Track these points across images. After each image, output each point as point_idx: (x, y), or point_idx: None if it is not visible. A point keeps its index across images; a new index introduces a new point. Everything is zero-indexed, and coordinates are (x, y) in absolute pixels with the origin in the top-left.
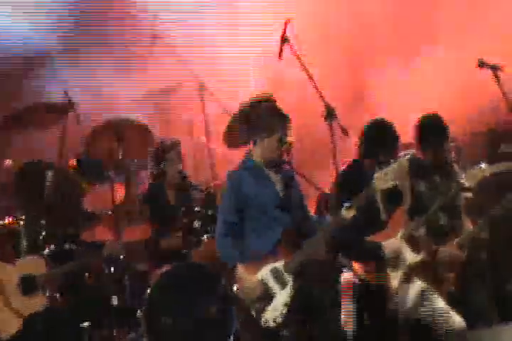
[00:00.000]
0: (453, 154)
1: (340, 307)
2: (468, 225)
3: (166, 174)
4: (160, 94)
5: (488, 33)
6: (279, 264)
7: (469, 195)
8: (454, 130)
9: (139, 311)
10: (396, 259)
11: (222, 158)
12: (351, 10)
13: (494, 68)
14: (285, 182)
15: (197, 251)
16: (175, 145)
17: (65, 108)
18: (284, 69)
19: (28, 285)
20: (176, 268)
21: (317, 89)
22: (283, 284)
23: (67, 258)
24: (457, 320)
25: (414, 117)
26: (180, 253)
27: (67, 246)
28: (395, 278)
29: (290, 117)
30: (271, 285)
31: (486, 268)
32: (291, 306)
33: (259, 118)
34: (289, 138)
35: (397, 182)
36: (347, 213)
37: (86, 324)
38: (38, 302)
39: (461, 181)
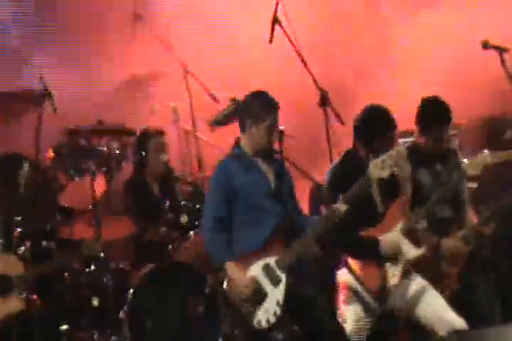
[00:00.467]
0: (456, 141)
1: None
2: (472, 217)
3: (148, 164)
4: (144, 80)
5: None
6: (272, 260)
7: (473, 185)
8: (455, 115)
9: (121, 312)
10: (395, 255)
11: (211, 148)
12: None
13: (500, 50)
14: (276, 172)
15: (183, 247)
16: (157, 133)
17: (42, 96)
18: (276, 54)
19: (4, 285)
20: (159, 267)
21: (310, 72)
22: (276, 282)
23: (44, 257)
24: (457, 320)
25: (413, 102)
26: (164, 250)
27: (44, 244)
28: (393, 275)
29: (279, 104)
30: (263, 283)
31: (490, 265)
32: (284, 306)
33: (247, 106)
34: (280, 127)
35: (396, 171)
36: (341, 206)
37: (65, 326)
38: (14, 304)
39: (465, 170)
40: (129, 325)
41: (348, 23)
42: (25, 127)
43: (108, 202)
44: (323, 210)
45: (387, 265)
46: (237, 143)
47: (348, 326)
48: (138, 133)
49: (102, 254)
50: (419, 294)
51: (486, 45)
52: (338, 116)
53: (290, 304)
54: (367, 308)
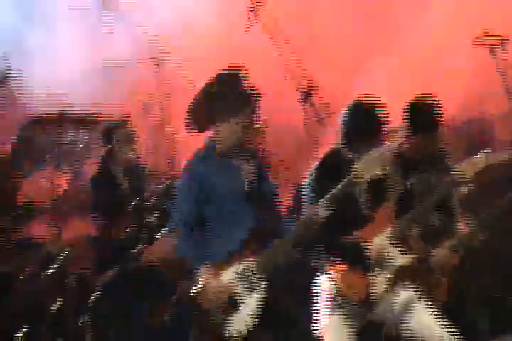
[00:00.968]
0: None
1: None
2: (463, 226)
3: (115, 157)
4: (114, 68)
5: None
6: (247, 266)
7: (465, 190)
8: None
9: (82, 319)
10: (381, 261)
11: (185, 143)
12: None
13: (492, 47)
14: (253, 172)
15: (149, 250)
16: (123, 124)
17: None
18: (255, 43)
19: None
20: (124, 271)
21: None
22: (251, 290)
23: None
24: (448, 336)
25: (400, 101)
26: (130, 252)
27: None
28: (379, 284)
29: (260, 96)
30: (237, 291)
31: (481, 276)
32: (260, 316)
33: (222, 97)
34: (260, 123)
35: (383, 173)
36: (323, 208)
37: (20, 334)
38: None
39: (455, 175)
40: (91, 334)
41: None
42: None
43: (71, 199)
44: (304, 212)
45: (373, 272)
46: (209, 137)
47: (327, 337)
48: (104, 123)
49: (62, 255)
50: (408, 308)
51: (478, 41)
52: (319, 113)
53: (266, 315)
54: (348, 319)
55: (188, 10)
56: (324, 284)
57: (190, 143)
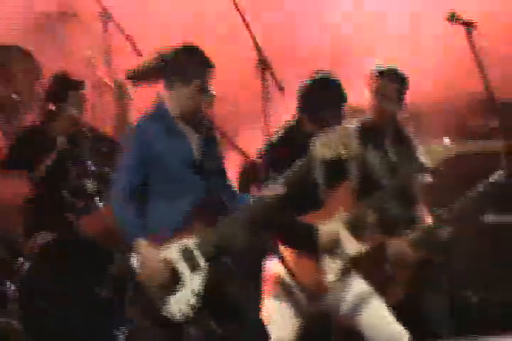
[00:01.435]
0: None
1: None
2: (426, 217)
3: (58, 118)
4: (55, 21)
5: None
6: (191, 242)
7: (429, 178)
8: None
9: (8, 288)
10: (334, 248)
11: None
12: None
13: (467, 24)
14: (203, 141)
15: (87, 218)
16: (78, 84)
17: None
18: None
19: None
20: (58, 240)
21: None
22: (194, 267)
23: None
24: (403, 334)
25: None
26: (65, 220)
27: None
28: (330, 271)
29: (215, 64)
30: (179, 268)
31: (442, 273)
32: (203, 297)
33: (176, 60)
34: (212, 90)
35: (343, 151)
36: (277, 187)
37: None
38: None
39: (421, 160)
40: (19, 305)
41: None
42: None
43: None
44: (255, 190)
45: (325, 259)
46: (158, 101)
47: (271, 323)
48: (53, 79)
49: None
50: (362, 301)
51: (451, 18)
52: (278, 84)
53: (210, 297)
54: (297, 306)
55: None
56: (273, 267)
57: (140, 103)
